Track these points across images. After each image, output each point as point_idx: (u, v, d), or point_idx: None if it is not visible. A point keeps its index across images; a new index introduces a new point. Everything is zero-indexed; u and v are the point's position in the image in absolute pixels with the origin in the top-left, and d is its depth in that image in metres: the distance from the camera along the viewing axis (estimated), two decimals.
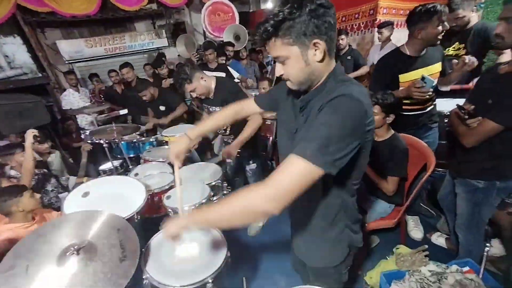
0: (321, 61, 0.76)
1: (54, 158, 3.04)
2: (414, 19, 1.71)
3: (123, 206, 1.45)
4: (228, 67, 3.82)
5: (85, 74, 5.11)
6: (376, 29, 3.63)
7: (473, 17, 2.25)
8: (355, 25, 4.10)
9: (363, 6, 3.91)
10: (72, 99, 4.01)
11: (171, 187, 1.82)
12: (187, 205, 1.54)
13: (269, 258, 2.15)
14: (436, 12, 1.60)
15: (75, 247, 1.04)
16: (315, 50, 0.74)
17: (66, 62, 5.05)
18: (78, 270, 0.99)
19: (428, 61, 1.81)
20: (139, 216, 1.45)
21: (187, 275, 1.13)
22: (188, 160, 2.60)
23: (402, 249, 1.78)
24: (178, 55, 5.45)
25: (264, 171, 2.59)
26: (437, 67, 1.84)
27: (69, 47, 5.03)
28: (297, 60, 0.75)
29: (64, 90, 4.28)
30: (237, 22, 5.21)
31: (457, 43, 2.36)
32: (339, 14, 4.25)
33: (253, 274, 2.01)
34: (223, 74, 3.27)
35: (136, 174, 2.05)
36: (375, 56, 3.51)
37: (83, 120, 4.11)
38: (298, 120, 0.88)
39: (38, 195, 1.75)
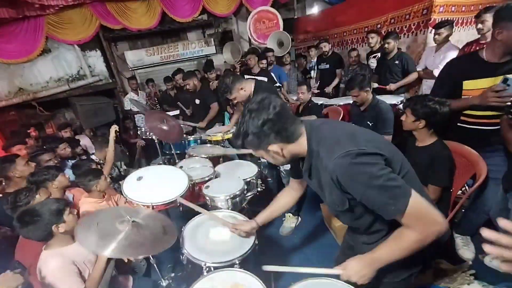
0: (283, 155, 0.91)
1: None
2: (497, 16, 1.45)
3: (169, 190, 1.66)
4: (271, 73, 3.96)
5: (143, 79, 5.79)
6: (430, 29, 3.39)
7: None
8: (405, 27, 3.87)
9: (415, 5, 3.68)
10: (136, 99, 4.58)
11: (210, 179, 2.00)
12: (223, 194, 1.68)
13: (297, 257, 2.17)
14: None
15: (130, 218, 1.26)
16: (273, 153, 0.90)
17: (130, 69, 5.79)
18: (132, 231, 1.21)
19: (509, 70, 1.46)
20: (180, 204, 1.64)
21: (218, 255, 1.25)
22: (224, 158, 2.76)
23: (444, 264, 1.65)
24: (224, 62, 5.81)
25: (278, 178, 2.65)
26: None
27: (133, 57, 5.75)
28: (271, 158, 0.94)
29: (127, 93, 4.92)
30: (281, 28, 5.34)
31: None
32: (387, 17, 4.07)
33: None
34: (265, 79, 3.42)
35: (181, 167, 2.27)
36: (428, 59, 3.27)
37: (139, 119, 4.65)
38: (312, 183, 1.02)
39: (109, 179, 2.11)
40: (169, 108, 4.70)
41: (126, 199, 1.69)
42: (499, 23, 1.43)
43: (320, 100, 3.85)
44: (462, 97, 1.65)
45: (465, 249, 2.00)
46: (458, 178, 1.70)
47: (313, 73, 4.79)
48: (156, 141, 2.93)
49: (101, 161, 2.78)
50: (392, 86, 3.30)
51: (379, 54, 3.66)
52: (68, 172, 2.30)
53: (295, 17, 6.18)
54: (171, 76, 4.45)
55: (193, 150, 2.71)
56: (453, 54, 2.87)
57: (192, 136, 3.25)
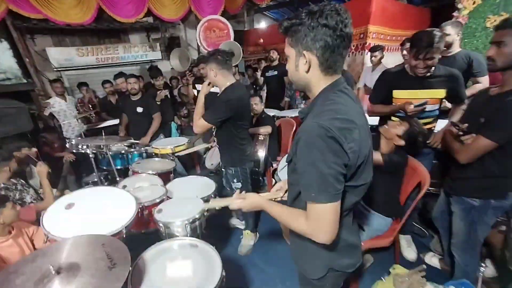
0: (308, 72, 0.81)
1: (32, 168, 2.86)
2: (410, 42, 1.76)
3: (110, 219, 1.35)
4: None
5: (73, 82, 4.99)
6: (366, 52, 3.80)
7: (456, 42, 2.30)
8: None
9: (354, 29, 4.10)
10: (58, 108, 3.86)
11: (162, 201, 1.73)
12: (180, 219, 1.46)
13: (259, 277, 2.05)
14: (416, 46, 1.64)
15: (54, 268, 0.95)
16: (305, 60, 0.79)
17: (55, 69, 4.92)
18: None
19: (429, 85, 1.77)
20: (125, 232, 1.36)
21: None
22: (174, 173, 2.50)
23: (399, 269, 1.74)
24: (172, 68, 5.45)
25: (254, 188, 2.53)
26: (439, 93, 1.79)
27: (59, 55, 4.93)
28: (291, 62, 0.84)
29: (50, 97, 4.13)
30: (232, 39, 5.32)
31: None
32: None
33: None
34: (217, 89, 3.28)
35: (125, 186, 1.94)
36: (367, 77, 3.64)
37: (69, 130, 3.94)
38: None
39: (18, 207, 1.62)
40: (107, 117, 4.13)
41: (48, 237, 1.30)
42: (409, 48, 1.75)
43: (271, 112, 3.89)
44: (393, 104, 1.93)
45: (410, 250, 2.19)
46: (405, 187, 1.86)
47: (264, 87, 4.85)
48: (91, 154, 2.48)
49: (6, 185, 2.20)
50: None
51: None
52: None
53: (245, 29, 6.25)
54: (112, 80, 3.93)
55: (138, 165, 2.38)
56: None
57: (136, 148, 2.86)
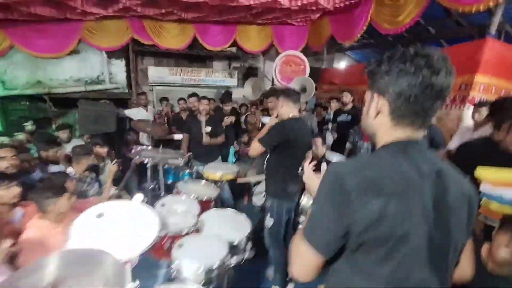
0: (376, 118, 0.73)
1: (106, 165, 3.22)
2: None
3: (128, 240, 1.28)
4: None
5: (160, 96, 5.72)
6: (467, 105, 3.13)
7: None
8: None
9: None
10: (138, 116, 4.40)
11: (187, 233, 1.60)
12: (196, 264, 1.27)
13: None
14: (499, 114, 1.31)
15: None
16: (376, 104, 0.72)
17: (149, 84, 5.76)
18: None
19: None
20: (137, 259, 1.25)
21: None
22: (219, 200, 2.41)
23: None
24: (243, 96, 5.70)
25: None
26: None
27: (156, 72, 5.77)
28: (366, 105, 0.77)
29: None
30: (307, 75, 5.27)
31: None
32: None
33: None
34: None
35: (163, 205, 1.91)
36: (464, 139, 2.94)
37: (143, 135, 4.42)
38: None
39: (74, 199, 1.75)
40: (177, 130, 4.48)
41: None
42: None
43: (335, 157, 3.52)
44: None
45: None
46: None
47: (330, 125, 4.52)
48: (148, 165, 2.63)
49: (80, 176, 2.46)
50: None
51: None
52: None
53: (322, 67, 6.16)
54: (186, 97, 4.30)
55: (182, 185, 2.37)
56: None
57: (188, 168, 2.91)
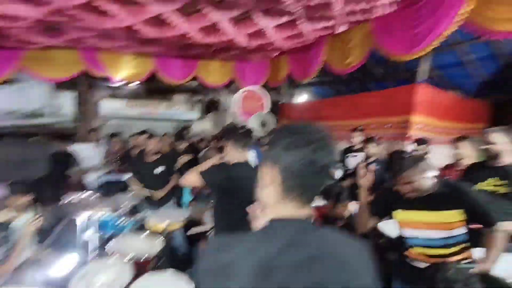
0: (267, 187, 0.70)
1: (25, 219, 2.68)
2: None
3: None
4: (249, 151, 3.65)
5: (113, 130, 5.32)
6: (407, 143, 3.35)
7: (508, 152, 1.89)
8: (385, 135, 3.87)
9: (395, 117, 3.76)
10: (87, 153, 3.99)
11: None
12: None
13: None
14: (390, 169, 1.48)
15: None
16: (269, 174, 0.69)
17: (103, 118, 5.37)
18: None
19: (433, 206, 1.43)
20: None
21: None
22: (166, 253, 2.11)
23: None
24: (203, 130, 5.57)
25: None
26: (443, 216, 1.40)
27: (110, 106, 5.43)
28: (261, 174, 0.75)
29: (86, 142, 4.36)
30: (267, 110, 5.36)
31: (496, 178, 1.92)
32: (370, 121, 4.11)
33: None
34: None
35: (84, 276, 1.58)
36: None
37: (89, 176, 3.97)
38: None
39: None
40: (127, 169, 4.11)
41: None
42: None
43: None
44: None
45: None
46: None
47: None
48: (79, 218, 2.24)
49: None
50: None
51: (360, 155, 3.47)
52: None
53: (283, 101, 6.35)
54: (136, 134, 4.03)
55: (116, 243, 2.03)
56: (430, 173, 2.75)
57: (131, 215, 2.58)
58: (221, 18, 3.17)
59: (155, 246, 2.05)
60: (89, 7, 2.92)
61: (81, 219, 2.24)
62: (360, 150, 3.50)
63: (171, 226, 2.31)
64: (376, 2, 2.71)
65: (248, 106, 5.51)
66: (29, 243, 2.09)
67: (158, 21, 3.42)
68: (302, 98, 7.68)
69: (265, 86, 5.87)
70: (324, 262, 0.60)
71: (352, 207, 2.25)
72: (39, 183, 3.22)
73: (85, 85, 5.20)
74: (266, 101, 5.47)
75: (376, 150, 3.20)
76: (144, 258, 1.87)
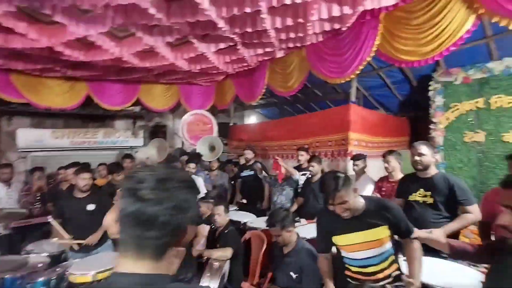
0: None
1: None
2: None
3: None
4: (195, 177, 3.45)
5: (41, 164, 4.59)
6: (348, 158, 3.57)
7: (432, 163, 2.09)
8: (329, 152, 4.09)
9: (335, 135, 4.02)
10: None
11: None
12: None
13: None
14: (322, 191, 1.51)
15: None
16: None
17: (19, 150, 4.60)
18: None
19: (361, 225, 1.47)
20: None
21: None
22: None
23: None
24: (147, 158, 5.18)
25: None
26: (375, 233, 1.46)
27: (30, 136, 4.71)
28: None
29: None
30: (215, 133, 5.28)
31: (422, 189, 2.08)
32: (313, 139, 4.32)
33: None
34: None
35: None
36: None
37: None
38: None
39: None
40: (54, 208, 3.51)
41: None
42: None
43: (245, 218, 3.33)
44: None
45: None
46: None
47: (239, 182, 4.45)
48: None
49: None
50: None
51: (308, 173, 3.56)
52: None
53: (231, 123, 6.35)
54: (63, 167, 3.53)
55: None
56: (370, 187, 2.96)
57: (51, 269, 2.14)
58: (157, 43, 3.07)
59: None
60: None
61: None
62: (307, 168, 3.61)
63: (101, 275, 1.96)
64: (307, 31, 2.93)
65: (196, 130, 5.36)
66: None
67: (84, 43, 3.17)
68: (250, 119, 7.82)
69: (212, 109, 5.82)
70: None
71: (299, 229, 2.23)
72: None
73: None
74: (214, 124, 5.40)
75: (318, 168, 3.31)
76: None
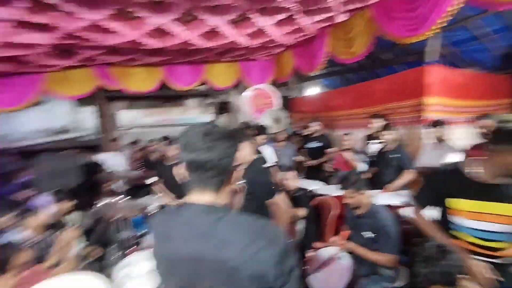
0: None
1: (73, 218, 3.01)
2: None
3: None
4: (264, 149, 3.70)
5: (133, 139, 5.62)
6: (425, 125, 3.24)
7: None
8: (404, 119, 3.75)
9: (408, 101, 3.65)
10: (112, 161, 4.27)
11: None
12: None
13: None
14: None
15: None
16: None
17: (122, 128, 5.68)
18: None
19: (500, 196, 1.28)
20: None
21: None
22: None
23: None
24: None
25: None
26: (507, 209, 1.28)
27: (127, 116, 5.73)
28: None
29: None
30: (278, 106, 5.38)
31: None
32: (383, 107, 4.00)
33: None
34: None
35: (125, 266, 1.78)
36: (428, 157, 3.01)
37: (116, 183, 4.24)
38: None
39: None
40: (149, 173, 4.35)
41: None
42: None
43: (312, 185, 3.46)
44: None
45: None
46: None
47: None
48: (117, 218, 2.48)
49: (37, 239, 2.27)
50: (389, 189, 2.94)
51: (379, 142, 3.40)
52: None
53: (293, 96, 6.34)
54: (156, 140, 4.24)
55: (150, 239, 2.19)
56: (451, 157, 2.66)
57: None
58: (219, 22, 3.25)
59: None
60: (94, 27, 3.12)
61: (116, 219, 2.45)
62: (379, 138, 3.44)
63: None
64: None
65: (258, 104, 5.56)
66: (76, 243, 2.32)
67: (159, 32, 3.58)
68: (312, 91, 7.61)
69: (273, 82, 5.89)
70: (206, 240, 0.73)
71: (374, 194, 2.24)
72: (76, 190, 3.54)
73: (102, 99, 5.55)
74: (276, 97, 5.49)
75: (393, 136, 3.11)
76: None
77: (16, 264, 1.68)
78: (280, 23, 3.67)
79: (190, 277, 0.74)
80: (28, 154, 5.05)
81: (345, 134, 3.81)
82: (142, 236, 2.75)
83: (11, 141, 4.99)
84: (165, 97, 6.14)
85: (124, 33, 3.36)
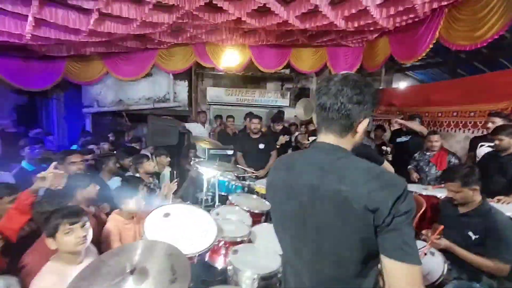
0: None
1: (167, 173, 3.55)
2: None
3: (192, 241, 1.37)
4: None
5: (215, 114, 6.15)
6: None
7: None
8: None
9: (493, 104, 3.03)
10: (196, 130, 4.80)
11: (242, 241, 1.64)
12: (250, 270, 1.29)
13: None
14: None
15: (130, 269, 0.99)
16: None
17: (207, 103, 6.27)
18: None
19: None
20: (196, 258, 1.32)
21: None
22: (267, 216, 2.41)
23: None
24: (295, 116, 5.75)
25: None
26: None
27: (213, 93, 6.27)
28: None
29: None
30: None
31: None
32: (508, 105, 3.38)
33: None
34: None
35: (217, 214, 2.01)
36: None
37: (199, 149, 4.76)
38: None
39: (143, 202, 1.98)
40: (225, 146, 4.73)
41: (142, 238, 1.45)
42: None
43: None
44: None
45: None
46: None
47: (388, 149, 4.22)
48: (204, 177, 2.80)
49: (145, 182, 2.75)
50: (506, 200, 2.46)
51: (488, 145, 2.94)
52: None
53: (380, 87, 5.89)
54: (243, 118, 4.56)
55: (236, 198, 2.44)
56: None
57: (241, 181, 3.01)
58: (321, 2, 3.22)
59: (265, 204, 2.36)
60: (208, 6, 3.47)
61: (204, 178, 2.77)
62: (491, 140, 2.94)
63: None
64: None
65: None
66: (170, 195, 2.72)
67: (262, 11, 3.75)
68: (402, 83, 6.93)
69: (360, 71, 5.57)
70: (330, 170, 0.79)
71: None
72: (173, 148, 4.15)
73: (194, 75, 6.20)
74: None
75: (509, 141, 2.60)
76: (258, 211, 2.19)
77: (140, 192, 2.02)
78: (386, 3, 3.42)
79: (306, 202, 0.80)
80: (137, 116, 6.07)
81: (432, 133, 3.39)
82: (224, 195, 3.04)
83: (127, 105, 6.06)
84: (247, 77, 6.47)
85: (231, 11, 3.63)
